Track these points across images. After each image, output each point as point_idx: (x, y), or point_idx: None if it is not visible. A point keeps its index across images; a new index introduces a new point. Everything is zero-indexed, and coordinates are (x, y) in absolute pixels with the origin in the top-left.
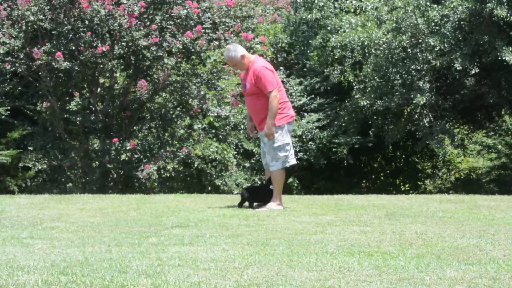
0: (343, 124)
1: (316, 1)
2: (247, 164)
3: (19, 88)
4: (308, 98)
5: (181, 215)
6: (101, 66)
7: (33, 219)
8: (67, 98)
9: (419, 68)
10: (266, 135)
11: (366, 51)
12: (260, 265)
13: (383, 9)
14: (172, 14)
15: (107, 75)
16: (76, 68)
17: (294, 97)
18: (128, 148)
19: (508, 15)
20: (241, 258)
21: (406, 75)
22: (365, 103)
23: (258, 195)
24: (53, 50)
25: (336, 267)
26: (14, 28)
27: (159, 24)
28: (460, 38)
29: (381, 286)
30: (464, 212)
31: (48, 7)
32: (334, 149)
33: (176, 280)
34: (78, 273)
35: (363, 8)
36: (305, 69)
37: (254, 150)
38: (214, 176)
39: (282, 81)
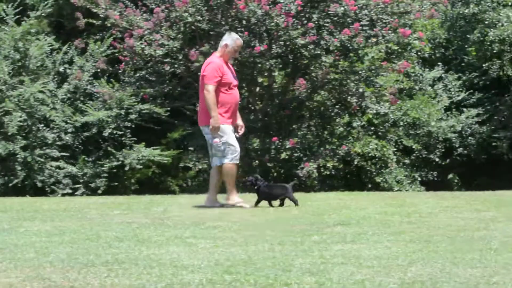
0: (503, 119)
1: None
2: (407, 161)
3: (179, 88)
4: (467, 93)
5: (342, 213)
6: (259, 65)
7: (195, 219)
8: None
9: None
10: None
11: None
12: (424, 262)
13: None
14: (329, 12)
15: (265, 74)
16: (235, 68)
17: (453, 92)
18: (287, 146)
19: None
20: (404, 255)
21: None
22: None
23: (276, 193)
24: (211, 51)
25: (500, 264)
26: (172, 29)
27: (316, 22)
28: None
29: None
30: None
31: (206, 8)
32: (494, 144)
33: (340, 278)
34: (242, 272)
35: None
36: (463, 64)
37: (413, 147)
38: (374, 173)
39: (440, 77)
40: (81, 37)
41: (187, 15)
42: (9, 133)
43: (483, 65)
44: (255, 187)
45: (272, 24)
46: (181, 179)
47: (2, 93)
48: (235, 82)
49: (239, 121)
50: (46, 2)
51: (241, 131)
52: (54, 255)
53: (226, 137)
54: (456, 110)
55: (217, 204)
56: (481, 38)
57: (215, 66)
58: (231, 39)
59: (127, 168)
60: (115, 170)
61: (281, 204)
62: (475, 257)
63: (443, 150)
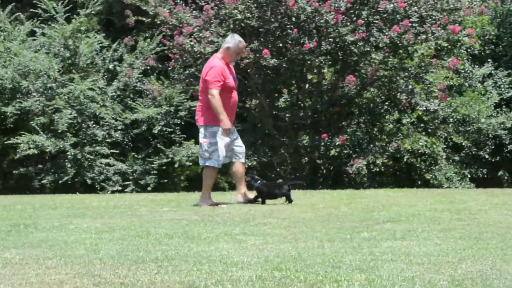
0: None
1: None
2: (457, 158)
3: None
4: None
5: (392, 209)
6: (309, 62)
7: (245, 216)
8: (276, 95)
9: None
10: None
11: None
12: (474, 259)
13: None
14: (379, 9)
15: (314, 71)
16: (284, 65)
17: (503, 89)
18: (337, 143)
19: None
20: (454, 252)
21: None
22: None
23: (274, 192)
24: (261, 48)
25: None
26: (222, 27)
27: (365, 19)
28: None
29: None
30: None
31: (255, 5)
32: None
33: (390, 275)
34: (292, 269)
35: None
36: None
37: (463, 144)
38: (424, 170)
39: (490, 74)
40: (130, 35)
41: (236, 12)
42: (59, 131)
43: None
44: (254, 188)
45: (322, 21)
46: (230, 176)
47: (53, 90)
48: (235, 84)
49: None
50: (95, 0)
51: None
52: (104, 252)
53: (218, 140)
54: (506, 107)
55: (209, 202)
56: None
57: (218, 70)
58: (234, 42)
59: (176, 165)
60: (164, 167)
61: (290, 201)
62: None
63: (493, 147)
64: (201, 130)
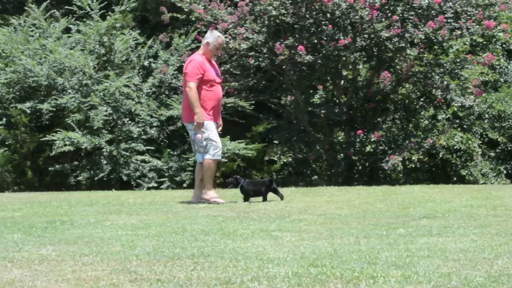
0: None
1: None
2: (492, 154)
3: (263, 82)
4: None
5: (428, 206)
6: (344, 58)
7: (280, 212)
8: (311, 91)
9: None
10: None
11: None
12: (510, 255)
13: None
14: (414, 5)
15: (349, 67)
16: (319, 61)
17: None
18: (372, 139)
19: None
20: (490, 249)
21: None
22: None
23: (257, 190)
24: (296, 44)
25: None
26: (257, 23)
27: (400, 15)
28: None
29: None
30: None
31: (290, 1)
32: None
33: (426, 271)
34: (328, 265)
35: None
36: None
37: (499, 140)
38: (459, 166)
39: None
40: (165, 31)
41: (271, 9)
42: (94, 127)
43: None
44: (239, 187)
45: (357, 17)
46: (266, 172)
47: (88, 87)
48: (218, 79)
49: (219, 120)
50: None
51: (218, 129)
52: (140, 248)
53: (208, 133)
54: None
55: (203, 200)
56: None
57: (196, 64)
58: (212, 37)
59: None
60: None
61: (265, 199)
62: None
63: None
64: (190, 127)
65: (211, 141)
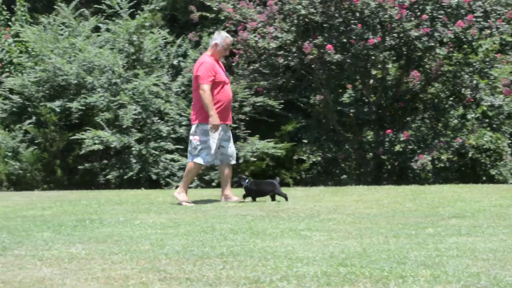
0: None
1: None
2: None
3: (292, 81)
4: None
5: (457, 205)
6: (373, 57)
7: (310, 211)
8: (340, 91)
9: None
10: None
11: None
12: None
13: None
14: (443, 4)
15: (379, 66)
16: (348, 61)
17: None
18: (402, 139)
19: None
20: None
21: None
22: None
23: (260, 190)
24: (325, 43)
25: None
26: (286, 22)
27: (429, 14)
28: None
29: None
30: None
31: (319, 0)
32: None
33: (455, 271)
34: (357, 264)
35: None
36: None
37: None
38: (489, 165)
39: None
40: (195, 30)
41: (300, 8)
42: (124, 126)
43: None
44: (243, 187)
45: (386, 16)
46: (294, 171)
47: (117, 86)
48: (227, 80)
49: (229, 120)
50: None
51: (228, 128)
52: (169, 247)
53: (209, 139)
54: None
55: (234, 199)
56: None
57: (208, 66)
58: (220, 38)
59: (241, 160)
60: None
61: (273, 199)
62: None
63: None
64: (193, 127)
65: (207, 148)
